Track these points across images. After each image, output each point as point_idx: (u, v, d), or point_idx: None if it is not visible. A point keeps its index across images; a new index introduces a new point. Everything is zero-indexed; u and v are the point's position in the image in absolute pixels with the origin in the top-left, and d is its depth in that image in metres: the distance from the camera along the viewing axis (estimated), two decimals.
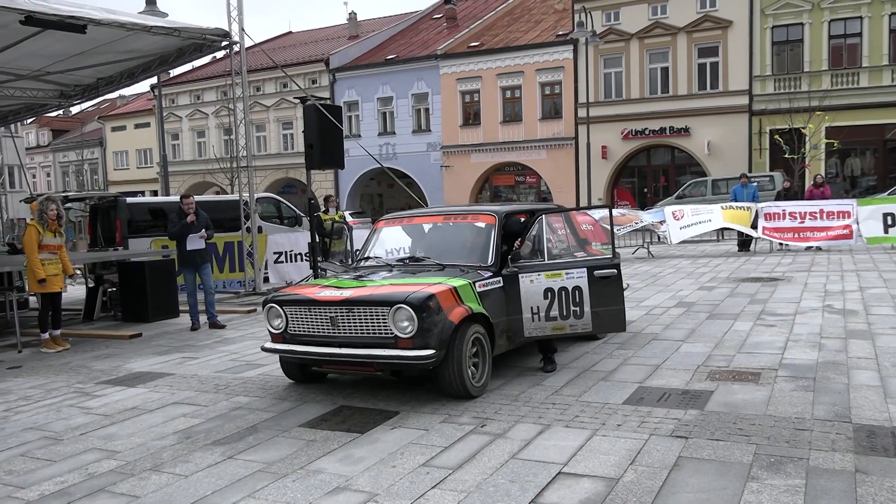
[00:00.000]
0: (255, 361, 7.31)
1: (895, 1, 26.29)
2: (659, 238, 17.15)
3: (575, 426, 4.70)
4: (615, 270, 5.97)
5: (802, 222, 15.65)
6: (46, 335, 8.59)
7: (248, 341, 8.54)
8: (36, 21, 8.35)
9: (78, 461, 4.57)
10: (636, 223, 17.27)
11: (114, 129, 47.52)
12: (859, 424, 4.47)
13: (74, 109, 47.02)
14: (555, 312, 5.93)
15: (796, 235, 15.74)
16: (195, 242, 9.64)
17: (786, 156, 25.62)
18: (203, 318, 9.84)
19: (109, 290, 11.41)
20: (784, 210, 15.89)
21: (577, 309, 5.92)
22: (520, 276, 5.95)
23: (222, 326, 9.61)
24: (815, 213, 15.60)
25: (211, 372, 6.97)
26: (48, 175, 53.74)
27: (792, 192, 18.18)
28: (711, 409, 4.89)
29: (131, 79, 12.78)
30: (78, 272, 9.16)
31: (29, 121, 39.47)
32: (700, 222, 16.68)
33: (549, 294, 5.92)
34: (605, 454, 4.19)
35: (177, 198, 11.65)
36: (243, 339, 8.77)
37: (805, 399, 5.03)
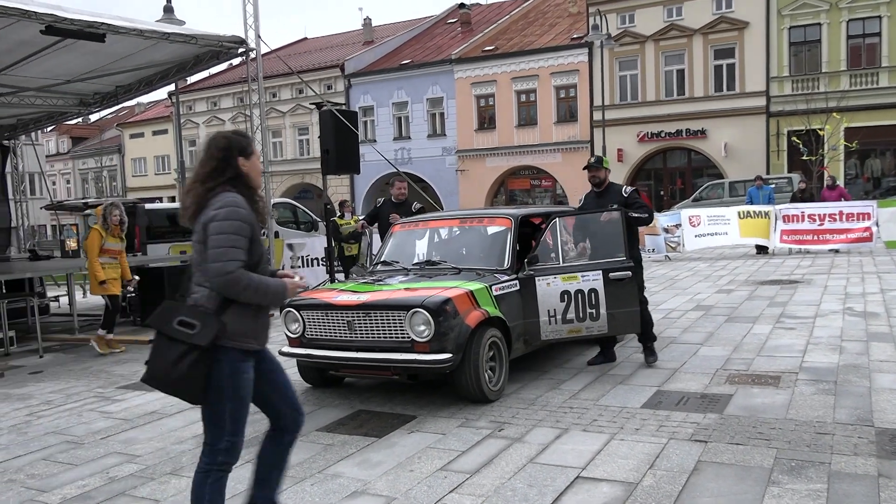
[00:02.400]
0: None
1: None
2: (673, 248, 16.98)
3: (593, 430, 4.68)
4: (629, 272, 6.02)
5: (822, 224, 15.49)
6: (105, 332, 8.63)
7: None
8: (56, 31, 8.45)
9: (99, 465, 4.61)
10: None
11: (132, 136, 48.00)
12: (882, 428, 4.42)
13: (93, 117, 47.49)
14: (571, 315, 5.97)
15: (815, 238, 15.57)
16: None
17: (804, 157, 25.39)
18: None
19: (129, 295, 11.49)
20: (803, 212, 15.72)
21: (594, 311, 5.96)
22: (536, 279, 5.95)
23: None
24: (835, 214, 15.42)
25: None
26: (68, 182, 54.35)
27: (808, 194, 17.99)
28: (731, 413, 4.86)
29: (149, 86, 12.89)
30: (136, 277, 9.31)
31: (49, 129, 39.97)
32: (716, 233, 16.46)
33: (566, 297, 5.95)
34: (623, 458, 4.17)
35: None
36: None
37: (826, 403, 4.98)
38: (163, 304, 3.05)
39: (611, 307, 5.97)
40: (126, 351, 8.71)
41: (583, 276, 5.97)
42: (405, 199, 9.21)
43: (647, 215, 6.39)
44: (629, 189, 6.54)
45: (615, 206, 6.25)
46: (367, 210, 11.76)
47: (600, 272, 5.97)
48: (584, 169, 6.75)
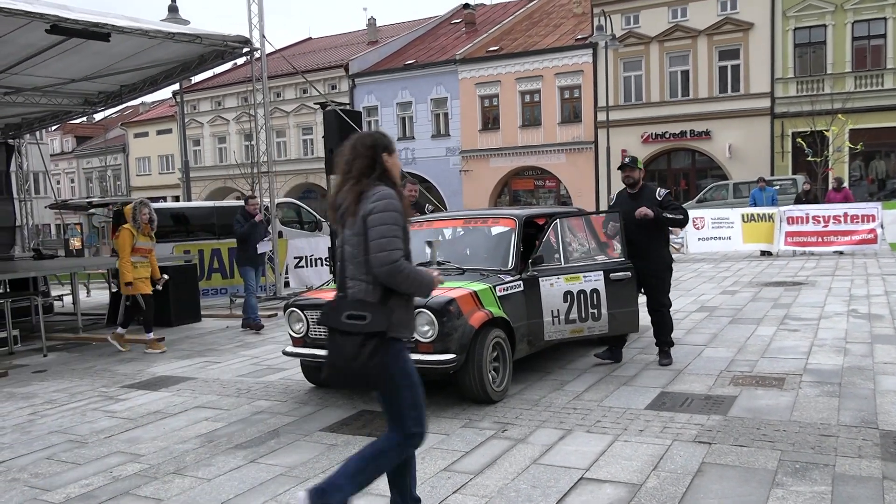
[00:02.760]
0: (276, 365, 7.35)
1: None
2: (677, 249, 16.95)
3: (596, 431, 4.68)
4: (629, 273, 6.20)
5: (826, 226, 15.46)
6: (152, 335, 8.63)
7: (269, 345, 8.59)
8: (61, 30, 8.47)
9: (102, 464, 4.62)
10: None
11: (136, 136, 48.09)
12: (886, 430, 4.41)
13: (98, 116, 47.64)
14: (574, 315, 6.07)
15: (820, 240, 15.54)
16: (264, 247, 10.14)
17: (808, 159, 25.34)
18: (227, 321, 9.93)
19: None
20: (808, 213, 15.70)
21: (595, 311, 6.10)
22: (540, 279, 5.97)
23: (253, 329, 9.71)
24: (840, 216, 15.39)
25: (233, 376, 7.01)
26: (72, 181, 54.48)
27: (812, 196, 17.95)
28: (735, 415, 4.85)
29: (154, 86, 12.91)
30: (166, 276, 9.35)
31: (53, 128, 40.06)
32: (720, 238, 16.48)
33: (569, 297, 6.04)
34: (627, 460, 4.16)
35: (200, 203, 11.76)
36: (264, 343, 8.82)
37: (830, 405, 4.96)
38: (328, 304, 3.19)
39: (611, 307, 6.11)
40: (131, 350, 8.72)
41: (585, 277, 6.08)
42: (416, 200, 9.20)
43: (682, 216, 6.39)
44: (663, 192, 6.46)
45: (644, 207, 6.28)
46: None
47: (602, 273, 6.11)
48: (619, 169, 6.77)
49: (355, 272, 3.13)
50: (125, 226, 8.67)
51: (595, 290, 6.08)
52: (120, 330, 8.84)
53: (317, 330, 5.72)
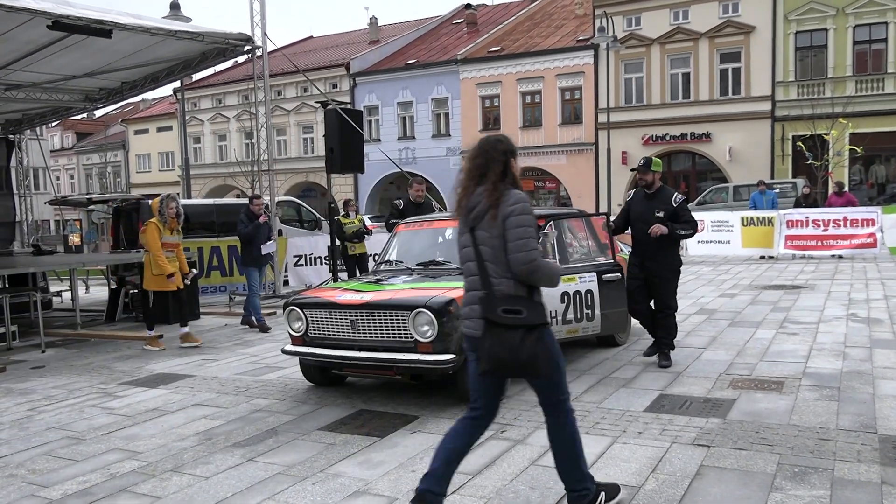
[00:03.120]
0: (274, 364, 7.34)
1: None
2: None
3: (595, 433, 4.67)
4: (618, 274, 6.45)
5: (826, 230, 15.46)
6: (153, 332, 8.55)
7: (267, 344, 8.58)
8: (63, 26, 8.47)
9: (100, 461, 4.61)
10: None
11: (136, 133, 48.06)
12: (885, 435, 4.40)
13: (98, 113, 47.56)
14: (570, 316, 6.17)
15: (819, 243, 15.55)
16: (269, 247, 10.04)
17: (808, 162, 25.35)
18: (226, 319, 9.92)
19: (131, 291, 11.51)
20: (807, 217, 15.70)
21: (590, 312, 6.28)
22: None
23: (255, 327, 9.67)
24: (839, 220, 15.40)
25: (231, 374, 7.01)
26: (72, 177, 54.43)
27: (812, 199, 17.96)
28: (734, 418, 4.84)
29: (155, 83, 12.92)
30: (194, 270, 9.27)
31: (54, 124, 40.02)
32: (719, 241, 16.49)
33: (566, 298, 6.12)
34: (625, 462, 4.16)
35: (200, 201, 11.76)
36: (263, 341, 8.82)
37: (829, 409, 4.96)
38: (479, 300, 3.35)
39: (604, 308, 6.32)
40: (165, 348, 8.52)
41: (580, 278, 6.21)
42: (424, 200, 9.18)
43: (692, 231, 6.39)
44: (680, 198, 6.41)
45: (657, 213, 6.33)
46: (370, 212, 11.68)
47: (595, 274, 6.31)
48: (632, 171, 6.82)
49: (498, 270, 3.33)
50: (152, 220, 8.59)
51: (589, 291, 6.23)
52: (148, 333, 8.67)
53: (316, 329, 5.72)
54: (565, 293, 6.08)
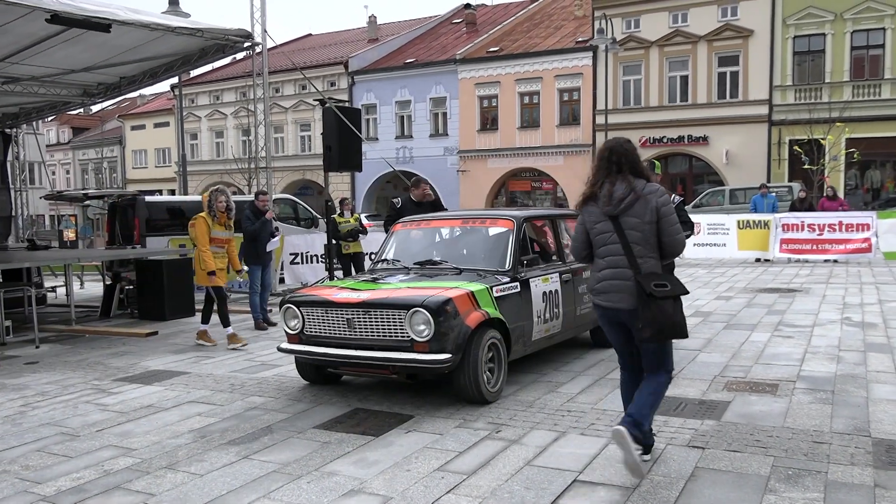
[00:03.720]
0: (270, 362, 7.33)
1: None
2: None
3: (591, 434, 4.68)
4: (571, 276, 6.63)
5: (821, 234, 15.50)
6: (231, 329, 8.40)
7: (263, 341, 8.57)
8: (62, 20, 8.44)
9: (94, 458, 4.60)
10: None
11: (133, 128, 47.98)
12: (878, 439, 4.42)
13: (95, 108, 47.50)
14: (548, 315, 6.30)
15: (815, 248, 15.58)
16: (273, 245, 9.92)
17: (805, 167, 25.42)
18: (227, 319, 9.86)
19: (127, 287, 11.49)
20: (803, 221, 15.75)
21: (557, 311, 6.41)
22: (530, 280, 6.05)
23: (273, 324, 9.56)
24: (835, 225, 15.44)
25: (226, 371, 7.00)
26: (68, 172, 54.32)
27: (808, 204, 18.02)
28: (728, 420, 4.85)
29: (154, 78, 12.88)
30: (245, 268, 9.12)
31: (50, 118, 39.95)
32: (715, 244, 16.53)
33: (546, 298, 6.25)
34: (620, 463, 4.16)
35: (196, 197, 11.72)
36: (258, 339, 8.80)
37: (823, 412, 4.98)
38: (636, 279, 3.87)
39: (566, 306, 6.51)
40: (216, 344, 8.39)
41: (552, 279, 6.38)
42: (434, 199, 9.04)
43: (688, 233, 6.35)
44: (678, 199, 6.38)
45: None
46: (367, 210, 11.66)
47: (558, 274, 6.46)
48: None
49: (644, 251, 3.91)
50: (200, 215, 8.37)
51: (556, 291, 6.40)
52: (202, 327, 8.56)
53: (312, 327, 5.71)
54: (545, 293, 6.22)
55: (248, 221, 9.70)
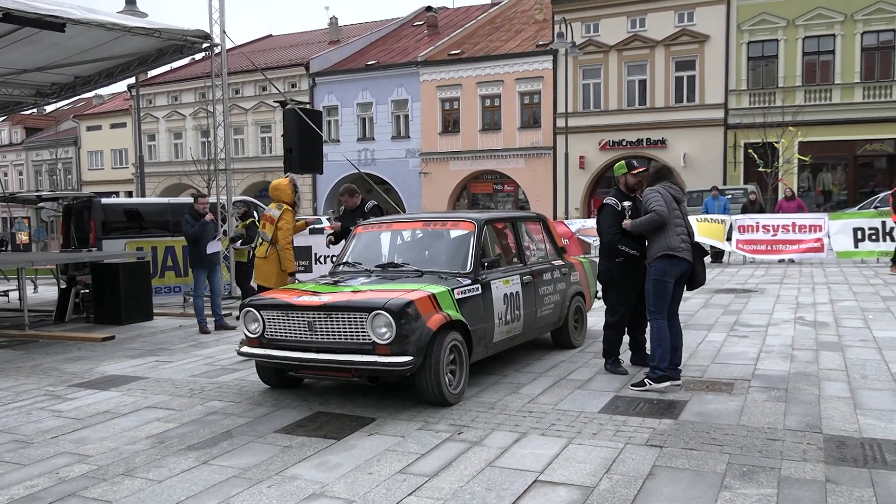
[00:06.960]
0: (230, 366, 7.25)
1: (867, 21, 26.85)
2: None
3: (551, 434, 4.73)
4: (531, 277, 6.69)
5: (775, 235, 15.88)
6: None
7: (223, 345, 8.47)
8: (14, 18, 8.24)
9: (48, 465, 4.50)
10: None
11: (89, 129, 46.95)
12: (830, 435, 4.54)
13: (49, 108, 46.40)
14: (509, 317, 6.31)
15: (769, 248, 15.96)
16: (214, 247, 9.64)
17: (759, 169, 25.99)
18: (180, 320, 9.73)
19: (82, 291, 11.26)
20: (758, 223, 16.12)
21: (519, 312, 6.45)
22: (491, 282, 6.07)
23: (232, 328, 9.45)
24: (788, 226, 15.85)
25: (185, 376, 6.90)
26: (20, 174, 52.92)
27: (758, 206, 18.44)
28: (685, 419, 4.94)
29: (109, 79, 12.66)
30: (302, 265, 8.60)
31: (2, 119, 38.92)
32: None
33: (506, 299, 6.27)
34: (580, 462, 4.22)
35: (154, 199, 11.55)
36: (218, 342, 8.70)
37: (777, 409, 5.10)
38: (691, 243, 5.85)
39: (526, 308, 6.54)
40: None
41: (512, 280, 6.42)
42: (357, 206, 8.58)
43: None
44: (627, 205, 6.44)
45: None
46: (331, 213, 11.62)
47: (518, 276, 6.51)
48: (635, 174, 6.72)
49: (682, 230, 5.78)
50: (286, 207, 7.67)
51: (517, 293, 6.42)
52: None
53: (273, 330, 5.67)
54: (506, 295, 6.25)
55: (187, 224, 9.51)
